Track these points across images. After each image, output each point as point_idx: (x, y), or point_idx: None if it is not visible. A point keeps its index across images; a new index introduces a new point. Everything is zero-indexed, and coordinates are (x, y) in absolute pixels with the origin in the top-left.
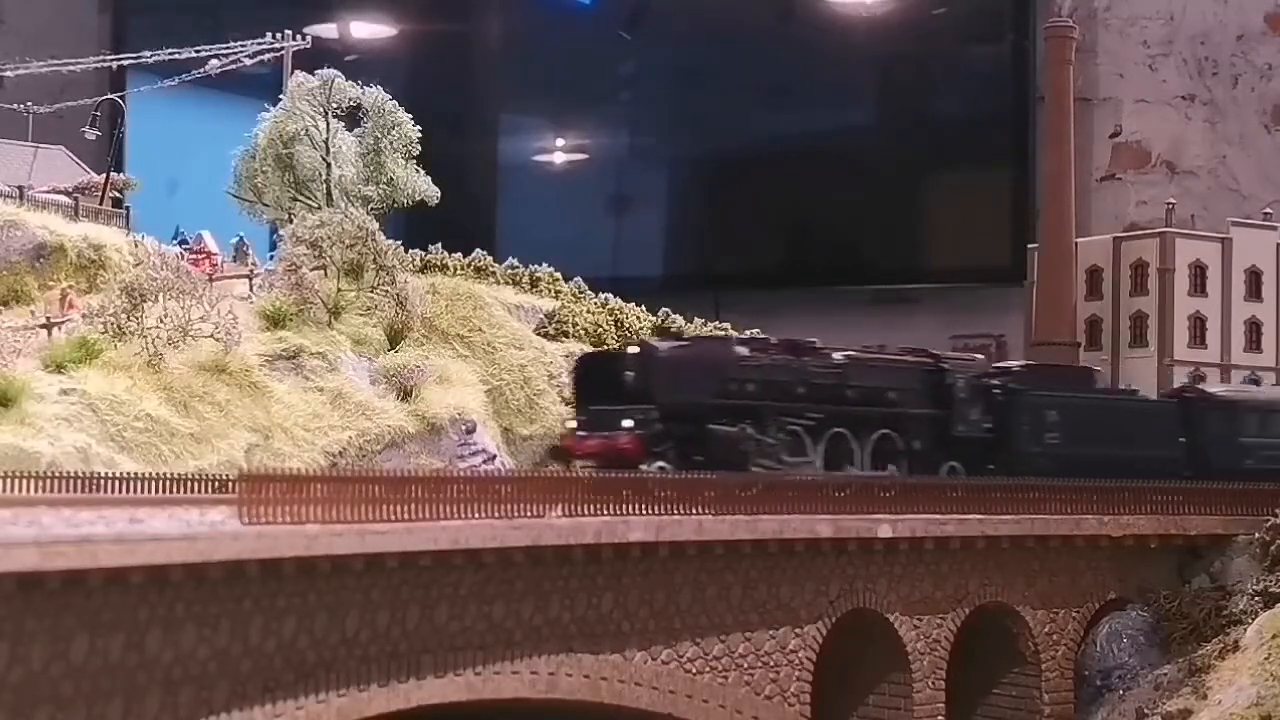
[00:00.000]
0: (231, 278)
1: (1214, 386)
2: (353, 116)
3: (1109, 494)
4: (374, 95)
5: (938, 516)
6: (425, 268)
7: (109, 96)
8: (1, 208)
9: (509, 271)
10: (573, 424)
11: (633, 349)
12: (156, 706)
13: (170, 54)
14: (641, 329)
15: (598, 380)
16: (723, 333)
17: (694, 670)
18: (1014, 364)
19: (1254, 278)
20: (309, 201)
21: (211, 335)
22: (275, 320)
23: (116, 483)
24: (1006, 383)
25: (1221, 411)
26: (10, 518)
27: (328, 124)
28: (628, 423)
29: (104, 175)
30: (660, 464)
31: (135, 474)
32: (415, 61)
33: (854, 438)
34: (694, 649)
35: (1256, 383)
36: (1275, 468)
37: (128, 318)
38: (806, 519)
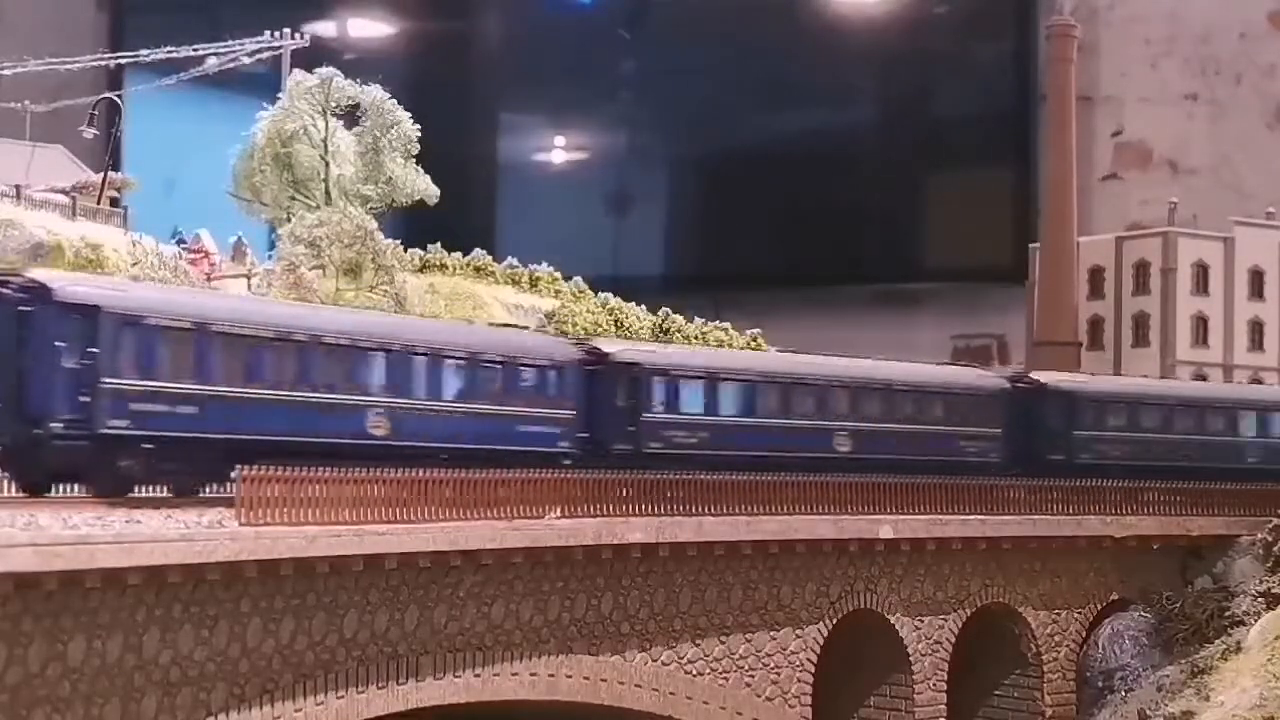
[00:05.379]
0: (230, 277)
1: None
2: (351, 115)
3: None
4: (373, 94)
5: (939, 517)
6: (424, 267)
7: (107, 95)
8: None
9: (509, 271)
10: None
11: None
12: (154, 708)
13: (168, 53)
14: (641, 329)
15: None
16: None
17: (694, 671)
18: None
19: (1257, 277)
20: (307, 200)
21: None
22: None
23: None
24: None
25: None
26: (7, 518)
27: (326, 123)
28: None
29: (102, 174)
30: None
31: None
32: (415, 60)
33: None
34: (694, 650)
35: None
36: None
37: None
38: (808, 520)
